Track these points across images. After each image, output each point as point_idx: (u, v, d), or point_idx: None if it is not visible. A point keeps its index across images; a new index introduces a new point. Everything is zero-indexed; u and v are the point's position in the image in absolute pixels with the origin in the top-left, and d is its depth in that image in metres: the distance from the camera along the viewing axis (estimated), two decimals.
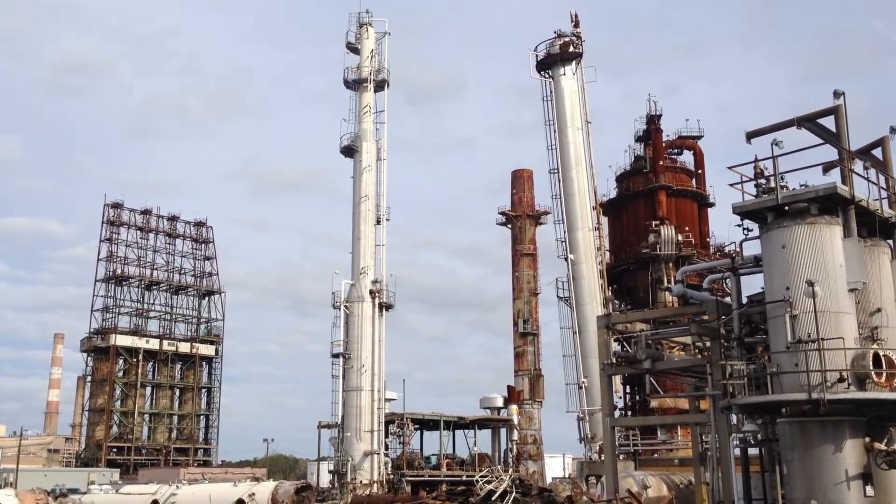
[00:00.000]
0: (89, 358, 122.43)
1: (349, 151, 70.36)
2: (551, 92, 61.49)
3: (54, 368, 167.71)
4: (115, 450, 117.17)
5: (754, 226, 24.14)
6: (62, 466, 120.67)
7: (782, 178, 23.00)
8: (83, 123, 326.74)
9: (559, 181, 61.15)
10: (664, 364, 27.58)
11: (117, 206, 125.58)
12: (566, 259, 60.54)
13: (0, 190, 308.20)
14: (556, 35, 60.90)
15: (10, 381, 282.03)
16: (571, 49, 58.69)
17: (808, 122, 24.36)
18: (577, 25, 62.93)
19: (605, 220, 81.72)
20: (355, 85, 70.70)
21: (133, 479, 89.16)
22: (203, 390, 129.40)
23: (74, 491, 56.50)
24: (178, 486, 47.78)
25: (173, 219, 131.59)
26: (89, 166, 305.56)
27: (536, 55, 60.51)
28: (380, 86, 71.08)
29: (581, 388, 51.21)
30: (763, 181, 23.40)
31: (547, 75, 61.12)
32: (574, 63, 59.67)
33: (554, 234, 65.48)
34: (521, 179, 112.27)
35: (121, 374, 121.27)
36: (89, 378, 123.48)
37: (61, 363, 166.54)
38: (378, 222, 68.84)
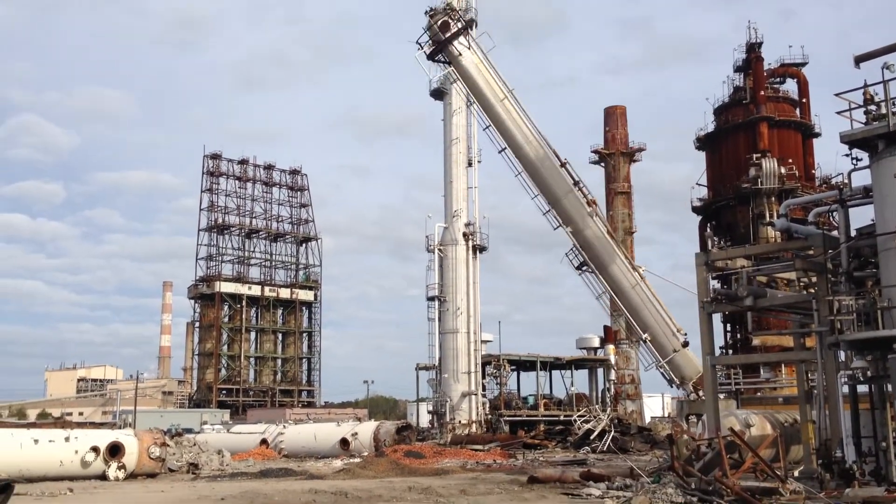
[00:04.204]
0: (196, 304, 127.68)
1: (439, 94, 69.90)
2: (457, 77, 49.93)
3: (164, 315, 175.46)
4: (224, 392, 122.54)
5: (864, 155, 23.01)
6: (176, 408, 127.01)
7: (894, 104, 21.74)
8: (194, 77, 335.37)
9: (515, 158, 50.02)
10: (767, 301, 26.80)
11: (216, 156, 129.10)
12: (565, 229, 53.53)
13: (117, 145, 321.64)
14: (429, 15, 47.35)
15: (128, 328, 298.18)
16: (452, 28, 45.83)
17: None
18: None
19: (701, 155, 79.54)
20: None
21: (242, 420, 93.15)
22: (304, 334, 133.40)
23: (189, 431, 59.34)
24: (284, 426, 49.75)
25: (269, 167, 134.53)
26: (200, 119, 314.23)
27: (423, 49, 47.47)
28: (469, 25, 70.10)
29: (645, 342, 49.73)
30: (873, 107, 22.19)
31: (443, 61, 48.57)
32: (463, 37, 47.06)
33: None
34: (613, 116, 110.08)
35: (226, 319, 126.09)
36: (197, 324, 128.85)
37: (171, 310, 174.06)
38: (469, 164, 68.61)
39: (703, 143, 77.96)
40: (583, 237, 47.11)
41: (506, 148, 46.56)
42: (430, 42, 45.08)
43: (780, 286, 30.69)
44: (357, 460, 35.70)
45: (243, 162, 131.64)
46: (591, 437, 49.66)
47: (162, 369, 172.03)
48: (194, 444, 33.92)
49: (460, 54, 44.33)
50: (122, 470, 28.59)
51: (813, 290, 25.49)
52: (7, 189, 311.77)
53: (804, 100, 77.14)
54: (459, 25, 44.43)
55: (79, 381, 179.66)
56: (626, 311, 48.89)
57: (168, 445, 31.20)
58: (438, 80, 69.89)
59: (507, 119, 45.44)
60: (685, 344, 46.39)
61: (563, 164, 48.73)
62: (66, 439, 28.38)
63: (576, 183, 47.80)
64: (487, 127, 46.29)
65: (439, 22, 44.14)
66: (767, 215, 66.95)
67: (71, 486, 25.11)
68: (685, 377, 47.79)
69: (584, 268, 48.21)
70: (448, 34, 43.66)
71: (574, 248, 48.81)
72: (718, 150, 76.40)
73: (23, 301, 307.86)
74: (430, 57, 46.83)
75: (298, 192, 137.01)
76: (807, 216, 30.87)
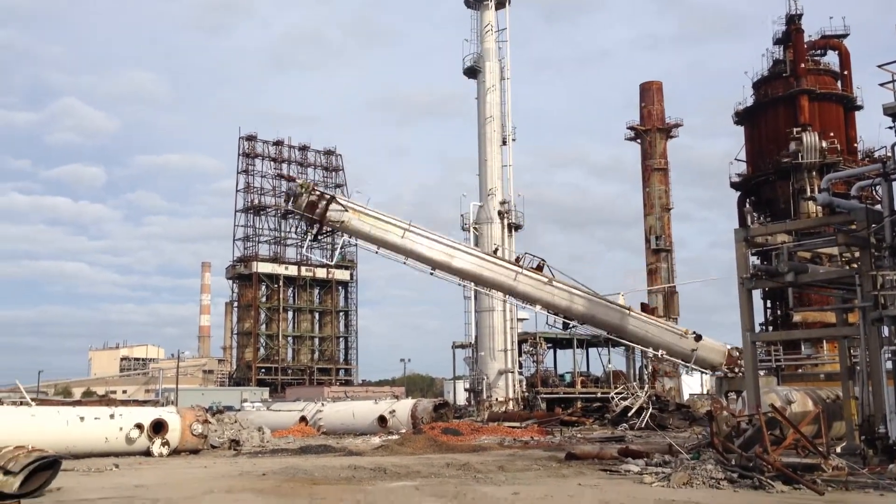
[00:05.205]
0: (234, 284, 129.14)
1: (472, 72, 69.77)
2: (350, 237, 46.27)
3: (203, 295, 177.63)
4: (263, 370, 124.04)
5: None
6: (216, 386, 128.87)
7: None
8: (229, 60, 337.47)
9: (452, 276, 45.22)
10: (808, 277, 26.41)
11: (251, 138, 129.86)
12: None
13: (157, 128, 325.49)
14: (291, 203, 42.38)
15: (169, 308, 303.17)
16: (321, 203, 40.79)
17: None
18: None
19: (740, 130, 78.32)
20: (476, 3, 69.62)
21: (281, 398, 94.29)
22: (341, 313, 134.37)
23: (229, 408, 60.22)
24: (323, 404, 50.24)
25: (304, 148, 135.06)
26: (236, 101, 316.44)
27: (308, 235, 44.45)
28: (501, 3, 69.72)
29: (663, 357, 49.13)
30: None
31: (330, 231, 43.74)
32: (335, 203, 41.35)
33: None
34: (649, 92, 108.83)
35: (264, 299, 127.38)
36: (236, 304, 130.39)
37: (210, 290, 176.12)
38: (504, 143, 68.42)
39: (742, 117, 76.81)
40: (554, 306, 44.68)
41: (435, 270, 44.13)
42: (310, 224, 42.28)
43: (824, 262, 30.23)
44: (395, 437, 35.98)
45: (278, 143, 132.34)
46: (629, 415, 49.52)
47: (202, 348, 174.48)
48: (235, 422, 34.43)
49: (342, 221, 41.44)
50: (166, 446, 29.11)
51: (856, 266, 25.07)
52: (50, 173, 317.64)
53: (846, 72, 75.59)
54: (326, 197, 40.92)
55: (122, 360, 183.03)
56: (631, 342, 47.79)
57: (210, 422, 31.68)
58: (472, 58, 69.76)
59: (420, 248, 42.11)
60: (698, 338, 45.83)
61: (494, 252, 46.40)
62: (111, 417, 28.94)
63: (517, 261, 45.15)
64: (405, 261, 43.54)
65: (304, 204, 41.14)
66: (808, 190, 65.96)
67: (116, 461, 25.63)
68: (714, 364, 47.28)
69: (570, 323, 46.20)
70: (319, 210, 40.82)
71: (549, 317, 46.38)
72: (758, 124, 75.25)
73: (67, 282, 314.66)
74: (317, 237, 43.85)
75: (333, 173, 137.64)
76: (849, 190, 30.31)
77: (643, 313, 48.88)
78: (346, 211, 40.73)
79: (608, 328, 45.41)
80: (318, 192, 40.80)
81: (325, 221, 40.17)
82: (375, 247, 42.32)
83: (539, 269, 44.01)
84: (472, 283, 46.28)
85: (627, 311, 45.40)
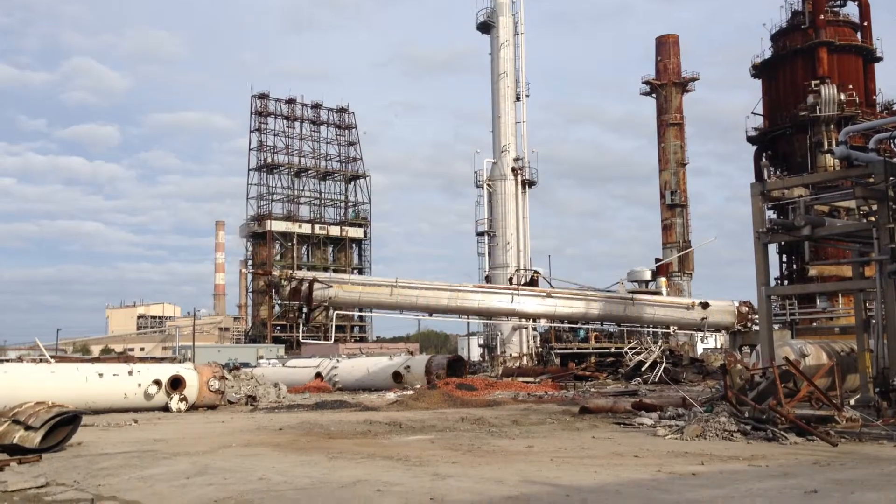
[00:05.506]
0: (249, 243, 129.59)
1: (486, 27, 69.00)
2: (339, 308, 45.69)
3: (218, 254, 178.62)
4: (278, 327, 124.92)
5: None
6: (233, 343, 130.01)
7: None
8: (244, 18, 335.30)
9: (456, 314, 45.81)
10: (825, 230, 26.20)
11: (264, 96, 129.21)
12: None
13: (171, 86, 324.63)
14: (279, 297, 45.08)
15: (185, 267, 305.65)
16: (303, 287, 41.44)
17: None
18: None
19: (757, 83, 77.31)
20: None
21: (297, 354, 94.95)
22: (355, 271, 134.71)
23: (246, 365, 60.82)
24: (338, 360, 50.60)
25: (317, 106, 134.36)
26: (250, 59, 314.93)
27: (301, 320, 45.82)
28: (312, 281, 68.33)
29: (674, 333, 49.18)
30: None
31: (319, 307, 44.06)
32: (318, 282, 42.70)
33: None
34: (665, 45, 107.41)
35: (278, 257, 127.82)
36: (250, 262, 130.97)
37: (224, 249, 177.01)
38: (518, 99, 67.88)
39: (760, 70, 75.78)
40: (560, 316, 44.02)
41: (433, 314, 43.33)
42: (299, 308, 42.24)
43: (841, 215, 30.00)
44: (410, 393, 36.24)
45: (291, 101, 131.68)
46: (643, 369, 49.67)
47: (218, 306, 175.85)
48: (251, 378, 34.75)
49: (329, 297, 40.73)
50: (184, 402, 29.47)
51: (873, 219, 24.85)
52: (65, 132, 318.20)
53: (865, 23, 74.31)
54: (307, 280, 40.52)
55: (139, 318, 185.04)
56: (645, 326, 47.86)
57: (227, 379, 32.00)
58: (485, 13, 68.88)
59: (426, 300, 42.00)
60: (705, 305, 45.71)
61: (487, 280, 46.72)
62: (130, 373, 29.28)
63: (510, 281, 44.93)
64: (401, 313, 42.93)
65: (287, 293, 40.61)
66: (826, 143, 65.26)
67: (135, 417, 26.01)
68: (726, 325, 47.38)
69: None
70: (304, 294, 40.33)
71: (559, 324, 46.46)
72: (775, 77, 74.24)
73: (84, 241, 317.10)
74: (308, 318, 43.77)
75: (346, 131, 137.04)
76: (867, 143, 29.90)
77: (646, 296, 48.79)
78: (331, 287, 40.83)
79: (616, 320, 45.60)
80: (297, 279, 41.09)
81: (313, 301, 40.36)
82: (370, 310, 42.45)
83: (534, 281, 43.87)
84: (472, 316, 46.27)
85: (632, 301, 45.19)
